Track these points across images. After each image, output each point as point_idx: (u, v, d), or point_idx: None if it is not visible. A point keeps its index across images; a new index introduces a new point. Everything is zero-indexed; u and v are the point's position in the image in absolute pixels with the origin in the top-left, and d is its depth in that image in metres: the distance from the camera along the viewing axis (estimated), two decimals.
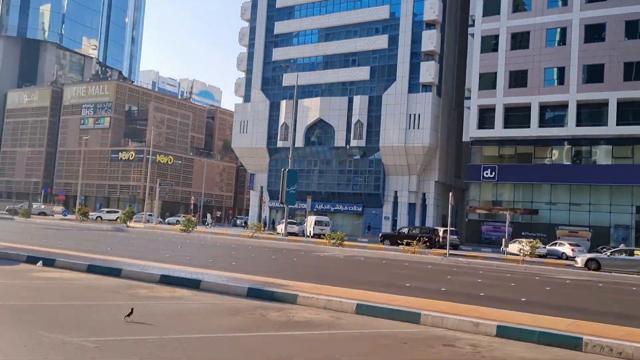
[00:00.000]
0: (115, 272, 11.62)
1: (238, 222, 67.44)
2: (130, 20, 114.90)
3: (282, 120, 57.56)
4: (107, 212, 56.20)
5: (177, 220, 53.82)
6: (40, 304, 8.06)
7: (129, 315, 7.00)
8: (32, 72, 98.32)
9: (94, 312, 7.76)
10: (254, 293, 10.00)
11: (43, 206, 59.62)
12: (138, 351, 5.67)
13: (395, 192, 52.83)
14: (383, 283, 13.25)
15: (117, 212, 52.96)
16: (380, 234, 40.73)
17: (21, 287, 9.60)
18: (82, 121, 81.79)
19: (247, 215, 69.33)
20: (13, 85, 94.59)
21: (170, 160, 77.14)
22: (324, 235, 36.36)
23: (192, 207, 64.95)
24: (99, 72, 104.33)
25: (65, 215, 56.62)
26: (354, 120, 53.88)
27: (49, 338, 5.87)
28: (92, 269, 11.95)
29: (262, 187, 60.61)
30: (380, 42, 53.77)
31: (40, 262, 11.36)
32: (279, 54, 59.99)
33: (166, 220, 59.44)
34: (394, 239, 35.16)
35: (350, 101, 54.45)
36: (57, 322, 6.78)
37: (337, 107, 55.04)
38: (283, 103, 57.75)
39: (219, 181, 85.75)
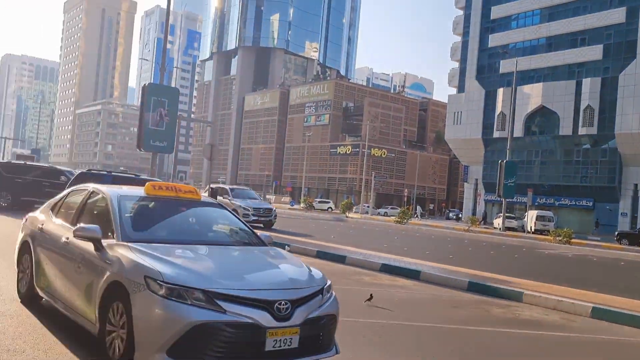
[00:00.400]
0: (340, 259, 12.42)
1: (450, 214, 66.39)
2: (347, 21, 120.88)
3: (498, 109, 54.87)
4: (319, 201, 60.83)
5: (385, 212, 55.83)
6: None
7: (369, 299, 7.49)
8: (264, 76, 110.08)
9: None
10: (475, 287, 9.75)
11: (273, 197, 66.54)
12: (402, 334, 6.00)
13: (636, 185, 46.45)
14: (621, 287, 11.78)
15: (329, 202, 57.11)
16: (616, 232, 36.24)
17: None
18: (305, 119, 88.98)
19: (459, 209, 67.87)
20: (249, 89, 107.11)
21: (384, 154, 79.33)
22: (547, 231, 33.74)
23: (405, 199, 65.93)
24: (319, 73, 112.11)
25: (292, 205, 62.32)
26: (582, 105, 48.74)
27: None
28: (320, 254, 12.94)
29: (476, 180, 58.70)
30: (616, 16, 47.62)
31: (287, 246, 12.58)
32: (495, 40, 57.23)
33: (377, 211, 61.54)
34: (635, 238, 30.99)
35: (579, 85, 49.34)
36: None
37: (562, 92, 50.41)
38: (500, 91, 54.98)
39: (431, 174, 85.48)
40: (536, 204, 46.75)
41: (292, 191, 79.56)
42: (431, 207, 79.63)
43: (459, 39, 62.04)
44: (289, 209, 54.05)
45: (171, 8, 24.78)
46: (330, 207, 49.80)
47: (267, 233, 5.89)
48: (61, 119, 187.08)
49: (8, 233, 12.89)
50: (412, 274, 10.86)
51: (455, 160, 76.73)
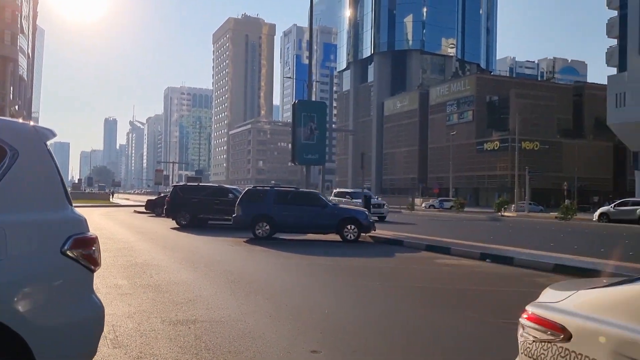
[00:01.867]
0: (507, 260, 12.01)
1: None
2: (484, 12, 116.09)
3: None
4: (440, 200, 61.42)
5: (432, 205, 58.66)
6: (451, 287, 9.00)
7: None
8: (401, 80, 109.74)
9: (501, 296, 8.24)
10: None
11: (421, 200, 65.96)
12: None
13: None
14: None
15: (451, 200, 55.77)
16: None
17: (429, 271, 10.91)
18: (448, 118, 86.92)
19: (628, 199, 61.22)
20: (387, 94, 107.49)
21: (536, 146, 74.59)
22: None
23: (565, 193, 61.21)
24: (458, 69, 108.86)
25: (441, 207, 61.19)
26: None
27: (472, 318, 6.55)
28: (484, 256, 12.64)
29: None
30: None
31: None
32: None
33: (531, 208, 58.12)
34: None
35: None
36: (471, 304, 7.48)
37: None
38: None
39: (594, 163, 78.36)
40: None
41: (440, 192, 78.01)
42: (595, 200, 72.81)
43: (615, 13, 56.34)
44: (439, 211, 53.05)
45: (307, 25, 25.92)
46: (453, 206, 48.34)
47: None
48: (217, 141, 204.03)
49: (192, 249, 14.43)
50: (591, 273, 10.16)
51: (621, 147, 69.45)
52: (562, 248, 14.65)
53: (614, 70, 56.31)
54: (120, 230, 19.95)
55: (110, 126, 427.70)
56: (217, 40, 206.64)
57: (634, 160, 56.15)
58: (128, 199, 68.00)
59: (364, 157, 25.06)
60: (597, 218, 34.15)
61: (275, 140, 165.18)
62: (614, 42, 56.46)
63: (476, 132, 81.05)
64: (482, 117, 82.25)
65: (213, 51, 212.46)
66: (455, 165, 77.30)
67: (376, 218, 25.62)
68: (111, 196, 69.46)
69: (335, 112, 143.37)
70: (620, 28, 54.99)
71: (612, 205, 35.57)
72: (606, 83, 58.78)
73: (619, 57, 55.12)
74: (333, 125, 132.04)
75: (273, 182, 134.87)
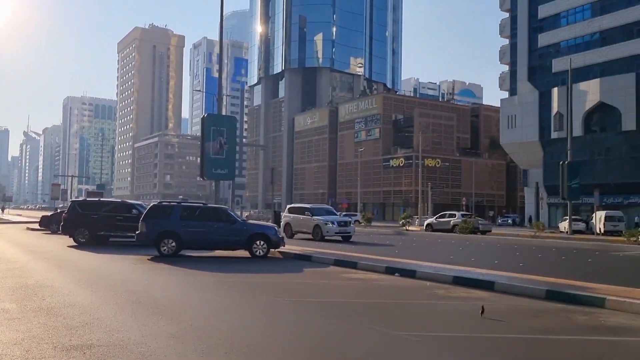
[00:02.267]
0: (410, 274, 12.46)
1: (508, 220, 64.56)
2: (389, 34, 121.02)
3: (554, 109, 53.39)
4: (345, 215, 60.61)
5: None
6: (358, 301, 9.18)
7: (482, 312, 7.77)
8: (311, 96, 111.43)
9: (406, 308, 8.52)
10: (553, 295, 9.59)
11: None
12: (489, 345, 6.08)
13: None
14: None
15: (356, 214, 56.40)
16: None
17: (337, 286, 11.06)
18: (356, 135, 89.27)
19: (520, 214, 66.08)
20: (298, 110, 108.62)
21: (438, 163, 78.39)
22: (618, 232, 32.39)
23: (463, 208, 64.76)
24: (366, 88, 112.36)
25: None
26: None
27: (379, 332, 6.71)
28: (389, 270, 13.02)
29: (537, 183, 57.09)
30: None
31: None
32: (545, 39, 56.01)
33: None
34: None
35: (638, 77, 47.50)
36: (379, 318, 7.67)
37: (621, 86, 48.67)
38: (554, 91, 53.54)
39: (488, 180, 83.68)
40: (603, 203, 44.94)
41: (348, 207, 79.65)
42: (491, 214, 77.76)
43: (506, 41, 61.00)
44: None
45: (217, 38, 25.71)
46: (359, 220, 49.42)
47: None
48: (121, 154, 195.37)
49: (91, 268, 13.66)
50: (486, 285, 10.78)
51: (513, 165, 74.86)
52: (461, 260, 15.45)
53: (506, 94, 60.76)
54: (10, 248, 18.48)
55: (1, 137, 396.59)
56: (123, 50, 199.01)
57: (524, 178, 60.61)
58: (20, 215, 63.21)
59: (274, 172, 25.18)
60: (424, 228, 40.77)
61: (183, 154, 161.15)
62: (506, 67, 60.99)
63: (382, 149, 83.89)
64: (388, 134, 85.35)
65: (118, 61, 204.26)
66: (363, 180, 79.40)
67: (339, 238, 24.76)
68: (1, 212, 64.33)
69: (246, 126, 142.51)
70: (511, 55, 59.57)
71: (435, 217, 41.83)
72: (499, 105, 63.29)
73: (510, 82, 59.62)
74: (244, 140, 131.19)
75: (181, 197, 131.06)
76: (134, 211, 20.84)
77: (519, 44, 58.46)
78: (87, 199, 25.73)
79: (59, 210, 32.56)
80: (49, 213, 34.61)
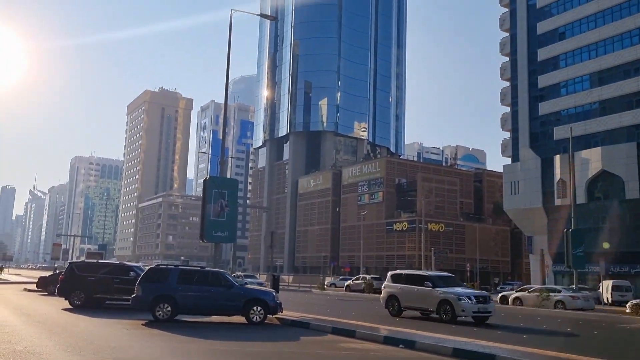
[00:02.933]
0: (410, 344, 12.07)
1: (506, 288, 63.29)
2: (393, 100, 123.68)
3: (557, 176, 53.57)
4: (341, 279, 60.88)
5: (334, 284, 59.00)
6: None
7: None
8: (315, 159, 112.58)
9: None
10: None
11: (331, 279, 65.78)
12: None
13: None
14: None
15: (350, 278, 56.24)
16: None
17: (332, 357, 10.70)
18: (359, 198, 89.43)
19: (524, 282, 64.95)
20: (302, 172, 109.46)
21: (441, 228, 77.97)
22: (625, 302, 31.63)
23: (468, 274, 63.82)
24: (369, 151, 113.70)
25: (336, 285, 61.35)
26: None
27: None
28: (387, 340, 12.65)
29: (542, 250, 56.43)
30: None
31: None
32: (545, 107, 57.01)
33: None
34: None
35: None
36: None
37: (623, 155, 48.97)
38: (556, 158, 53.94)
39: (493, 246, 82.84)
40: (610, 272, 44.17)
41: (351, 271, 78.58)
42: (496, 281, 76.45)
43: (507, 109, 62.10)
44: (350, 290, 53.08)
45: (227, 101, 26.26)
46: (348, 285, 50.15)
47: None
48: (125, 214, 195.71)
49: (83, 333, 13.32)
50: (487, 358, 10.42)
51: (517, 231, 74.33)
52: (462, 333, 14.99)
53: (508, 160, 61.22)
54: (3, 310, 18.13)
55: (7, 195, 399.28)
56: (132, 112, 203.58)
57: (528, 244, 60.01)
58: (20, 275, 62.51)
59: (274, 235, 24.88)
60: (345, 289, 49.60)
61: (187, 215, 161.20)
62: (508, 134, 61.78)
63: (386, 213, 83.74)
64: (392, 198, 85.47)
65: (127, 122, 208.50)
66: (366, 244, 78.79)
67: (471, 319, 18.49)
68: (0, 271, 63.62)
69: (250, 188, 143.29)
70: (512, 123, 60.47)
71: (352, 279, 52.27)
72: (502, 171, 63.62)
73: (512, 149, 60.19)
74: (247, 202, 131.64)
75: (182, 258, 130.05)
76: (132, 274, 20.58)
77: (520, 111, 59.46)
78: (85, 260, 25.52)
79: (57, 271, 32.20)
80: (47, 274, 34.19)
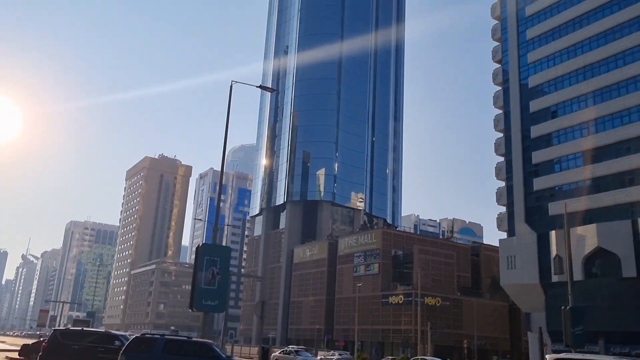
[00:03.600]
0: None
1: None
2: (390, 171, 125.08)
3: (553, 252, 53.27)
4: (340, 353, 58.40)
5: None
6: None
7: None
8: (312, 228, 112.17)
9: None
10: None
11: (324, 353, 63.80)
12: None
13: None
14: None
15: (346, 353, 54.92)
16: None
17: None
18: (355, 269, 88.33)
19: None
20: (298, 242, 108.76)
21: (438, 302, 76.51)
22: None
23: (465, 351, 62.00)
24: (366, 222, 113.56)
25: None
26: None
27: None
28: None
29: (540, 328, 55.03)
30: None
31: None
32: (540, 183, 57.60)
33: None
34: None
35: (635, 224, 48.09)
36: None
37: (618, 232, 48.99)
38: (552, 234, 53.89)
39: (491, 322, 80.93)
40: (610, 352, 42.95)
41: (345, 345, 76.34)
42: (495, 359, 74.11)
43: (503, 183, 62.67)
44: None
45: (224, 170, 26.51)
46: None
47: None
48: (116, 280, 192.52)
49: None
50: None
51: (516, 307, 72.88)
52: None
53: (504, 234, 61.07)
54: None
55: None
56: (131, 177, 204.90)
57: (526, 321, 58.74)
58: (4, 342, 60.50)
59: (265, 304, 24.36)
60: None
61: (180, 283, 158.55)
62: (503, 209, 62.00)
63: (381, 285, 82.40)
64: (388, 270, 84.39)
65: (125, 188, 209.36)
66: (361, 317, 76.93)
67: None
68: None
69: (245, 256, 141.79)
70: (507, 197, 60.86)
71: (278, 351, 49.73)
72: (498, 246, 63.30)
73: (508, 223, 60.22)
74: (242, 270, 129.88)
75: (172, 328, 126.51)
76: (117, 342, 19.99)
77: (515, 186, 59.99)
78: (70, 327, 24.87)
79: (41, 339, 31.27)
80: (32, 341, 33.19)
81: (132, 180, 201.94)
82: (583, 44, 56.59)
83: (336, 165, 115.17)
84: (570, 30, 58.19)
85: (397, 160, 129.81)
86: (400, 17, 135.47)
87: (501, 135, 64.01)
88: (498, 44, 67.00)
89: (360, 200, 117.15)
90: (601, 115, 53.30)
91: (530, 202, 58.38)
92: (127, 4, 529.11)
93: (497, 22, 67.77)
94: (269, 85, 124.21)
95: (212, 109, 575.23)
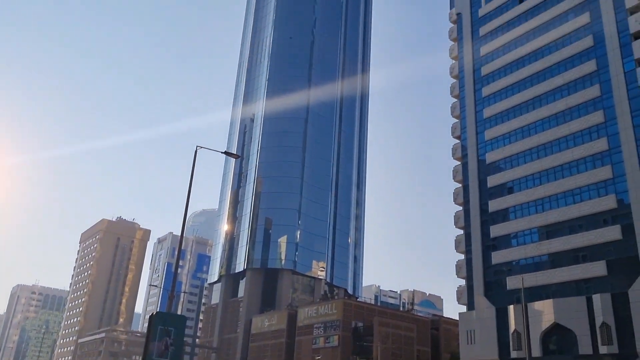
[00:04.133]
0: None
1: None
2: (352, 240, 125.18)
3: (512, 327, 53.39)
4: None
5: None
6: None
7: None
8: (271, 297, 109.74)
9: None
10: None
11: None
12: None
13: None
14: None
15: None
16: None
17: None
18: (314, 341, 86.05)
19: None
20: (256, 311, 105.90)
21: None
22: None
23: None
24: (327, 292, 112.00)
25: None
26: (597, 322, 47.59)
27: None
28: None
29: None
30: (612, 233, 49.34)
31: None
32: (498, 257, 58.49)
33: None
34: None
35: (589, 301, 48.88)
36: None
37: (574, 309, 49.67)
38: (511, 308, 54.19)
39: None
40: None
41: None
42: None
43: (462, 256, 63.34)
44: None
45: (183, 235, 25.99)
46: None
47: None
48: (62, 349, 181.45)
49: None
50: None
51: None
52: None
53: (464, 308, 61.03)
54: None
55: None
56: (86, 240, 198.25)
57: None
58: None
59: None
60: None
61: (129, 353, 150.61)
62: (463, 282, 62.33)
63: (341, 358, 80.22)
64: (347, 342, 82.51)
65: (78, 251, 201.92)
66: None
67: None
68: None
69: (200, 325, 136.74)
70: (467, 270, 61.40)
71: None
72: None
73: (468, 296, 60.41)
74: (197, 341, 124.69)
75: None
76: None
77: (474, 260, 60.72)
78: None
79: None
80: None
81: (87, 243, 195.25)
82: (536, 124, 59.52)
83: (298, 232, 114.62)
84: (524, 111, 61.32)
85: (359, 230, 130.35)
86: (365, 68, 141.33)
87: (461, 208, 65.39)
88: (456, 100, 70.38)
89: (322, 269, 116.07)
90: (555, 193, 55.27)
91: (489, 275, 58.98)
92: (92, 50, 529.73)
93: (456, 99, 70.98)
94: (236, 136, 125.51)
95: (175, 165, 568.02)
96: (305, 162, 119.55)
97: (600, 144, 52.90)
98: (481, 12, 70.82)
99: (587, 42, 57.42)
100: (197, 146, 28.57)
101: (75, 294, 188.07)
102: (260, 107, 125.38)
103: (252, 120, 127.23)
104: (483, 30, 69.60)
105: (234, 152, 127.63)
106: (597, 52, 56.26)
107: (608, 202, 50.55)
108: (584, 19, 58.37)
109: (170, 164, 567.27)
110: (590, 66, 56.28)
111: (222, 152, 33.16)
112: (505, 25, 67.02)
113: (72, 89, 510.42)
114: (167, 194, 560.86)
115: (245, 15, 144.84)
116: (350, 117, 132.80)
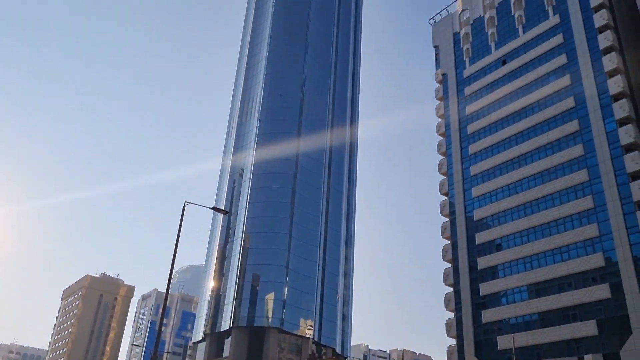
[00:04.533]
0: None
1: None
2: (340, 298, 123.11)
3: None
4: None
5: None
6: None
7: None
8: (257, 357, 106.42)
9: None
10: None
11: None
12: None
13: None
14: None
15: None
16: None
17: None
18: None
19: None
20: None
21: None
22: None
23: None
24: (315, 352, 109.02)
25: None
26: None
27: None
28: None
29: None
30: (601, 292, 49.16)
31: None
32: (488, 315, 57.75)
33: None
34: None
35: None
36: None
37: None
38: None
39: None
40: None
41: None
42: None
43: (452, 314, 62.44)
44: None
45: (168, 292, 25.44)
46: None
47: None
48: None
49: None
50: None
51: None
52: None
53: None
54: None
55: None
56: (68, 297, 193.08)
57: None
58: None
59: None
60: None
61: None
62: (453, 341, 61.15)
63: None
64: None
65: (60, 308, 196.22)
66: None
67: None
68: None
69: None
70: (457, 329, 60.39)
71: None
72: None
73: (458, 355, 59.12)
74: None
75: None
76: None
77: (464, 318, 59.84)
78: None
79: None
80: None
81: (69, 300, 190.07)
82: (522, 182, 60.27)
83: (286, 289, 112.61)
84: (510, 169, 62.23)
85: (348, 287, 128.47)
86: (353, 121, 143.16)
87: (449, 265, 65.05)
88: (443, 157, 71.23)
89: (310, 327, 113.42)
90: (543, 251, 55.30)
91: (479, 334, 58.00)
92: (86, 99, 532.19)
93: (443, 156, 71.97)
94: (225, 190, 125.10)
95: (161, 216, 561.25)
96: (294, 218, 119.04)
97: (585, 202, 53.49)
98: (466, 73, 73.08)
99: (569, 103, 59.12)
100: (185, 202, 28.47)
101: (54, 354, 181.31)
102: (249, 161, 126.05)
103: (241, 176, 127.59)
104: (468, 90, 71.60)
105: (222, 206, 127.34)
106: (579, 113, 57.84)
107: (595, 261, 50.57)
108: (564, 81, 60.34)
109: (157, 216, 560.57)
110: (573, 126, 57.68)
111: (210, 208, 32.94)
112: (490, 86, 69.05)
113: (59, 136, 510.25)
114: (153, 248, 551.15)
115: (235, 75, 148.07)
116: (339, 172, 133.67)
